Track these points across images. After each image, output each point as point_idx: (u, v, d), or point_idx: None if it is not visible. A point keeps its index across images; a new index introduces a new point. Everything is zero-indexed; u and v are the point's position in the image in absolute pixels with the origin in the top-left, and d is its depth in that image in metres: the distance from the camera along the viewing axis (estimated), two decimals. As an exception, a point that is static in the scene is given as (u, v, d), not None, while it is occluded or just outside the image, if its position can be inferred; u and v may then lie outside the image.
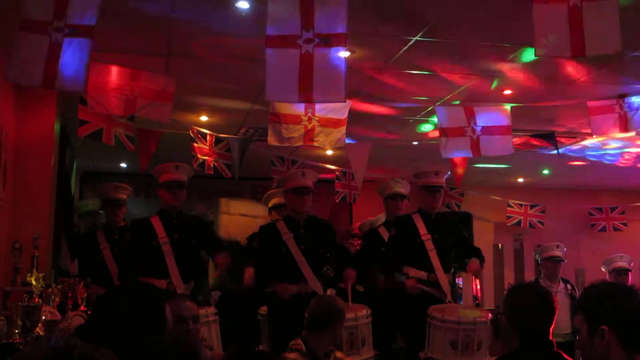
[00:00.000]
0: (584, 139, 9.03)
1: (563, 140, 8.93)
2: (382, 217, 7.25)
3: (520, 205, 11.54)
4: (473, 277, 6.26)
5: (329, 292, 5.77)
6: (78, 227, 8.57)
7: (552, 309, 3.11)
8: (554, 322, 3.11)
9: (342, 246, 6.23)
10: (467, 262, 6.11)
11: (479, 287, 12.94)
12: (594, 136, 7.61)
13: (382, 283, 6.41)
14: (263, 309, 6.24)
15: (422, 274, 5.95)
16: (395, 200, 6.83)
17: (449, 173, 6.54)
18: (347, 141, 7.05)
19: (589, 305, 2.49)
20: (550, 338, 3.09)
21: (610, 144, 9.27)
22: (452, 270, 6.04)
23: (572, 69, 6.42)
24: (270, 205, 7.40)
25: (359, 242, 7.90)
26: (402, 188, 6.91)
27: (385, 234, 6.67)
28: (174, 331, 2.67)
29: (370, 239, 6.98)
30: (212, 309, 5.21)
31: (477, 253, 6.29)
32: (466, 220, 12.37)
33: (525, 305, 3.07)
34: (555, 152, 7.98)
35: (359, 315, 5.35)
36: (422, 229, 6.08)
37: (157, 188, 5.70)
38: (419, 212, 6.21)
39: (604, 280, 2.71)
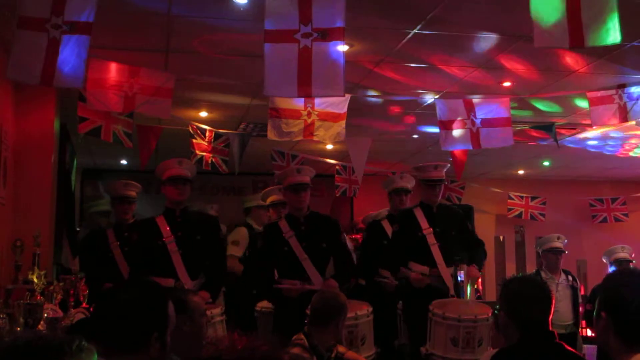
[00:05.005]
0: (583, 130, 9.02)
1: (563, 131, 8.93)
2: (384, 212, 7.25)
3: (521, 197, 11.52)
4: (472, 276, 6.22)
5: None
6: (88, 226, 8.54)
7: (548, 298, 3.12)
8: (552, 311, 3.11)
9: (344, 244, 6.20)
10: (467, 263, 6.10)
11: (480, 279, 12.95)
12: (594, 127, 7.59)
13: (391, 281, 6.39)
14: (259, 305, 6.26)
15: (425, 269, 5.94)
16: (400, 195, 6.84)
17: (449, 166, 6.52)
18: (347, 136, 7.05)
19: (599, 290, 2.55)
20: (550, 329, 3.09)
21: (610, 135, 9.27)
22: (455, 263, 5.99)
23: (570, 59, 6.42)
24: (268, 202, 7.40)
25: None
26: (407, 183, 6.93)
27: (387, 227, 6.66)
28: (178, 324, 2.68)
29: (373, 232, 6.97)
30: (218, 310, 5.19)
31: (480, 247, 6.28)
32: (467, 213, 12.37)
33: (521, 298, 3.08)
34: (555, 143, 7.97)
35: (359, 314, 5.32)
36: (424, 223, 6.07)
37: (161, 185, 5.68)
38: (420, 206, 6.21)
39: (632, 268, 2.77)
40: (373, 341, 5.45)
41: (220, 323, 5.12)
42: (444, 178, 6.26)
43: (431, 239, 6.02)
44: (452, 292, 5.89)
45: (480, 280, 12.79)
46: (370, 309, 5.46)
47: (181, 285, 5.25)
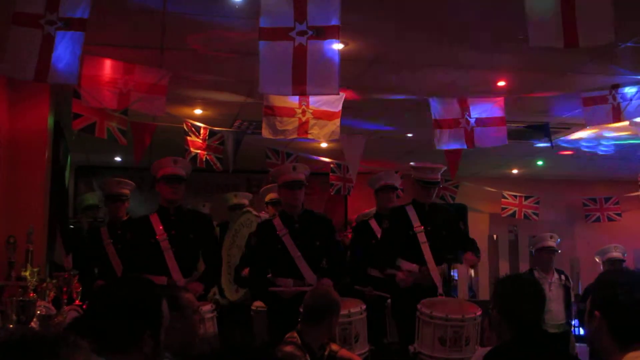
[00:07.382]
0: (577, 130, 9.04)
1: (557, 131, 8.95)
2: (373, 211, 7.24)
3: (515, 196, 11.56)
4: (469, 269, 6.22)
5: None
6: (80, 223, 8.55)
7: (541, 297, 3.14)
8: (544, 310, 3.13)
9: (337, 243, 6.19)
10: (461, 255, 6.08)
11: (474, 277, 12.98)
12: (588, 127, 7.61)
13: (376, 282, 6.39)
14: (255, 305, 6.27)
15: (414, 267, 5.92)
16: (386, 192, 6.82)
17: (445, 168, 6.51)
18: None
19: (593, 290, 2.55)
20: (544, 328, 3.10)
21: (604, 135, 9.29)
22: (447, 262, 5.99)
23: (565, 59, 6.42)
24: (267, 199, 7.41)
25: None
26: (393, 180, 6.91)
27: (375, 226, 6.64)
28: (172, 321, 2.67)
29: (360, 232, 6.96)
30: (208, 307, 5.21)
31: (472, 245, 6.27)
32: (461, 211, 12.39)
33: (514, 296, 3.10)
34: (548, 144, 8.00)
35: (352, 311, 5.31)
36: (415, 221, 6.06)
37: (156, 183, 5.67)
38: (412, 204, 6.20)
39: (625, 268, 2.75)
40: (367, 339, 5.45)
41: (210, 320, 5.12)
42: (439, 180, 6.25)
43: (422, 237, 5.99)
44: (440, 290, 5.89)
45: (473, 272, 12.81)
46: (364, 307, 5.45)
47: (174, 283, 5.24)
